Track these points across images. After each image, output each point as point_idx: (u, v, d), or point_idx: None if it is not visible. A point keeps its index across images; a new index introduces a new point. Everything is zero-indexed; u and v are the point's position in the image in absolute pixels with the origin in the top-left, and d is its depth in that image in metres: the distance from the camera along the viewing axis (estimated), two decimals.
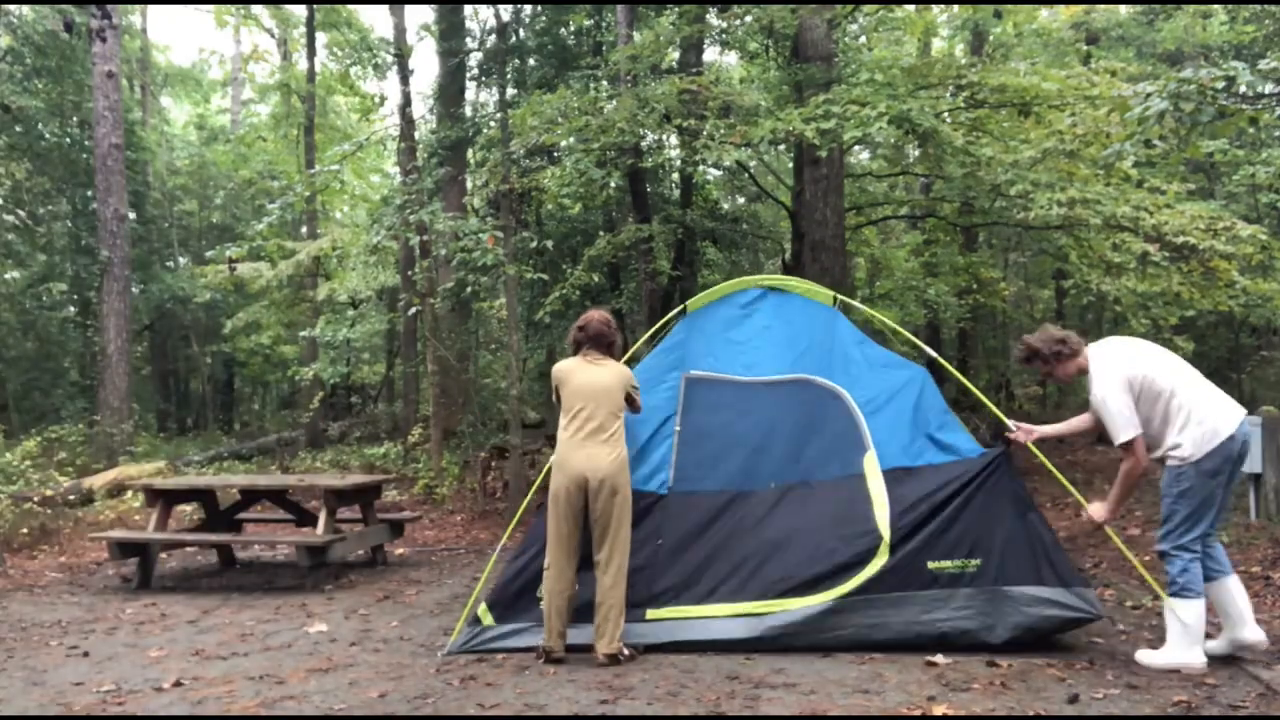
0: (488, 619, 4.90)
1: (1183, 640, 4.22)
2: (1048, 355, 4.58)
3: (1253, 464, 6.56)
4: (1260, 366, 14.02)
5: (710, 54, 15.79)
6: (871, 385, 5.23)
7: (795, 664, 4.42)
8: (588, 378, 4.78)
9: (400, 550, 8.20)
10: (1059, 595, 4.50)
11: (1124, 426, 4.28)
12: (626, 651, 4.59)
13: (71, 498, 10.42)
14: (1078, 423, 4.77)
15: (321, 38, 18.74)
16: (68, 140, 17.41)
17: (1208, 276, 9.44)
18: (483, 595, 5.06)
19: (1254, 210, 13.56)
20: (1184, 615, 4.20)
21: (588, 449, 4.65)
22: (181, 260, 21.44)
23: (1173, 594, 4.25)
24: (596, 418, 4.70)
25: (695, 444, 5.26)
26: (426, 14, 26.46)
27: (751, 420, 5.28)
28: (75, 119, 17.26)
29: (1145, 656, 4.30)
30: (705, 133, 8.40)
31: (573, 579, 4.67)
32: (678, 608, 4.81)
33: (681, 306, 5.77)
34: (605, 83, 11.96)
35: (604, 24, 14.61)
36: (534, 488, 6.37)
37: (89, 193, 16.50)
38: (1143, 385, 4.31)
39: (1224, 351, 14.07)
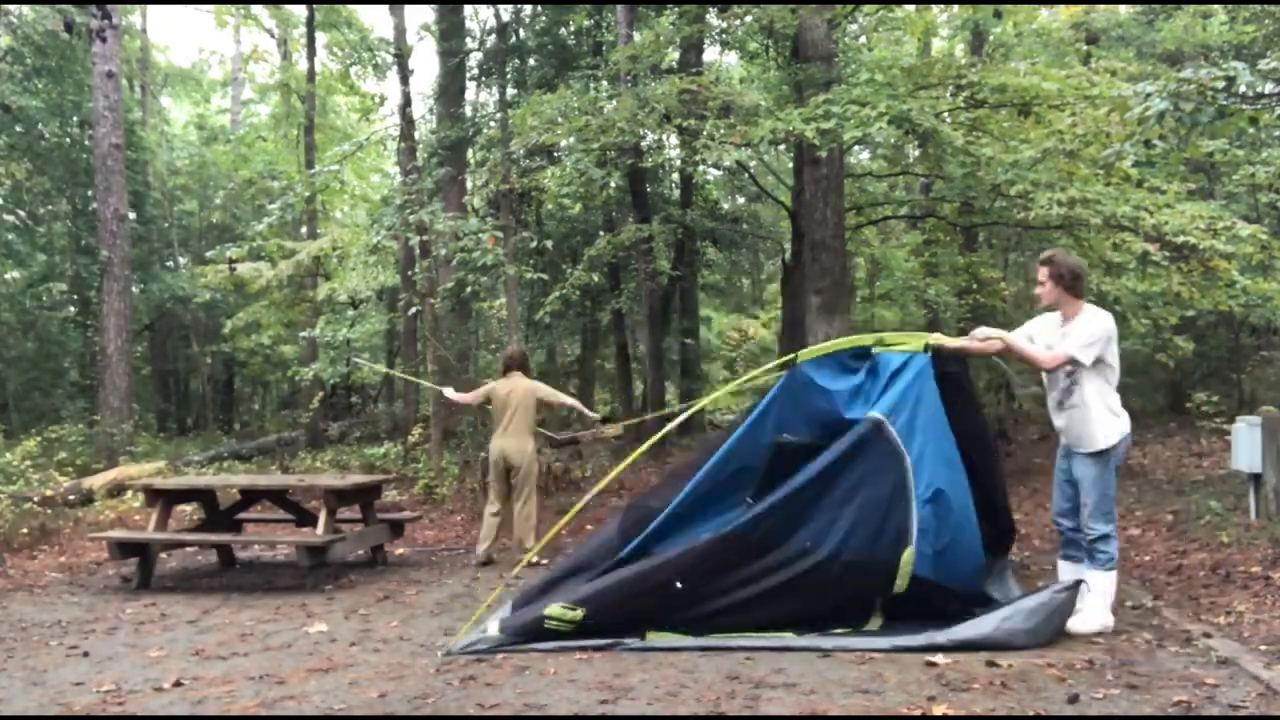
0: (495, 632, 4.89)
1: (1104, 604, 4.86)
2: (1065, 274, 4.86)
3: (1253, 464, 6.56)
4: (1260, 366, 14.02)
5: (710, 54, 15.80)
6: (934, 472, 4.85)
7: (795, 664, 4.42)
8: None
9: (400, 550, 8.19)
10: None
11: (1080, 351, 4.76)
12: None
13: (71, 498, 10.42)
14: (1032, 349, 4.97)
15: (321, 38, 18.74)
16: (68, 140, 17.40)
17: (1208, 276, 9.45)
18: (496, 608, 5.10)
19: (1254, 210, 13.56)
20: (1109, 584, 4.89)
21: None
22: (181, 260, 21.44)
23: (1107, 568, 4.88)
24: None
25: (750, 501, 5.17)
26: (427, 14, 26.46)
27: (804, 474, 4.94)
28: (75, 119, 17.26)
29: (1077, 624, 4.75)
30: (705, 133, 8.39)
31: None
32: (675, 635, 4.83)
33: (792, 356, 5.36)
34: (605, 83, 11.96)
35: (604, 24, 14.61)
36: (573, 512, 5.79)
37: (89, 193, 16.49)
38: (1108, 352, 4.84)
39: (1224, 351, 14.08)
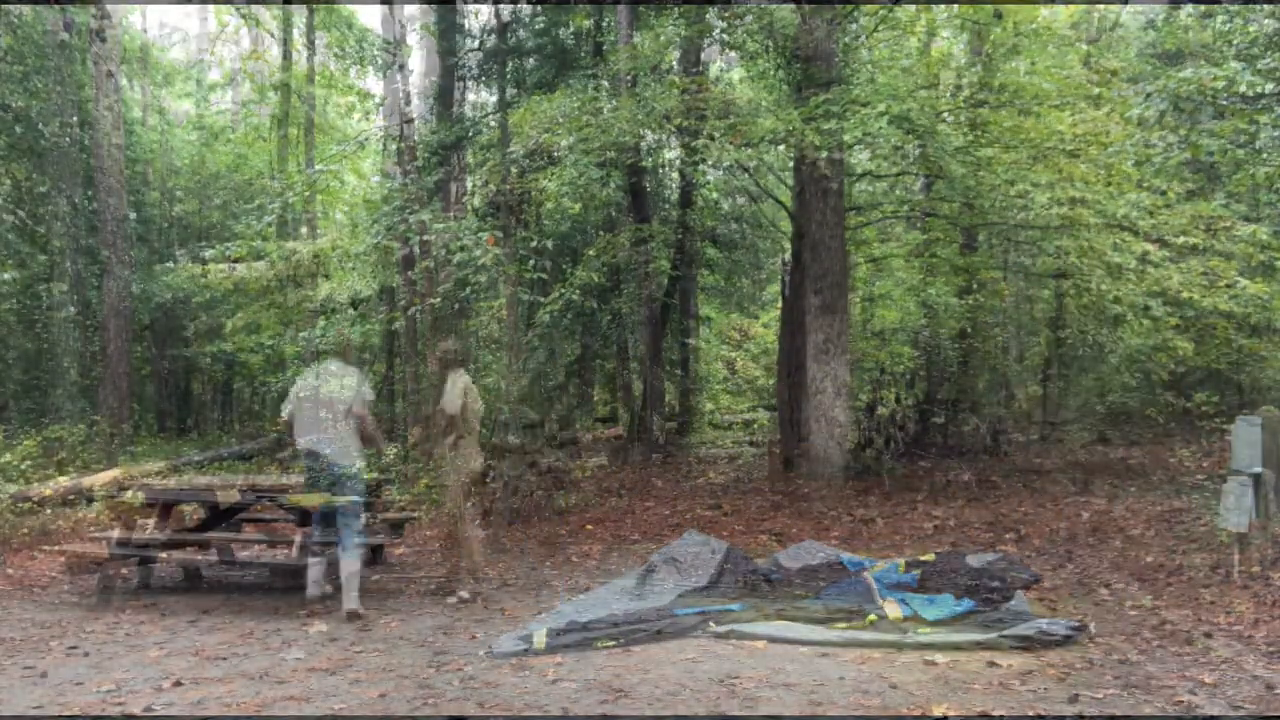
0: (540, 642, 4.82)
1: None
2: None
3: (1253, 464, 6.55)
4: (1260, 366, 13.99)
5: (710, 54, 15.78)
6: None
7: (795, 664, 4.42)
8: None
9: (400, 550, 8.19)
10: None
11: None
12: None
13: (71, 498, 10.42)
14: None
15: (321, 38, 18.74)
16: (67, 140, 17.39)
17: (1208, 277, 9.44)
18: (549, 620, 5.09)
19: (1254, 210, 13.55)
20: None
21: None
22: (182, 260, 21.43)
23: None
24: None
25: None
26: (426, 14, 26.52)
27: None
28: (75, 119, 17.24)
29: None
30: (705, 133, 8.39)
31: None
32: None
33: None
34: (605, 83, 11.97)
35: (604, 25, 14.61)
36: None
37: (89, 193, 16.51)
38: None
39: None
